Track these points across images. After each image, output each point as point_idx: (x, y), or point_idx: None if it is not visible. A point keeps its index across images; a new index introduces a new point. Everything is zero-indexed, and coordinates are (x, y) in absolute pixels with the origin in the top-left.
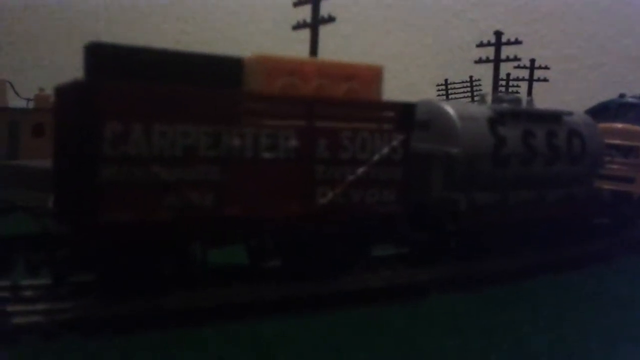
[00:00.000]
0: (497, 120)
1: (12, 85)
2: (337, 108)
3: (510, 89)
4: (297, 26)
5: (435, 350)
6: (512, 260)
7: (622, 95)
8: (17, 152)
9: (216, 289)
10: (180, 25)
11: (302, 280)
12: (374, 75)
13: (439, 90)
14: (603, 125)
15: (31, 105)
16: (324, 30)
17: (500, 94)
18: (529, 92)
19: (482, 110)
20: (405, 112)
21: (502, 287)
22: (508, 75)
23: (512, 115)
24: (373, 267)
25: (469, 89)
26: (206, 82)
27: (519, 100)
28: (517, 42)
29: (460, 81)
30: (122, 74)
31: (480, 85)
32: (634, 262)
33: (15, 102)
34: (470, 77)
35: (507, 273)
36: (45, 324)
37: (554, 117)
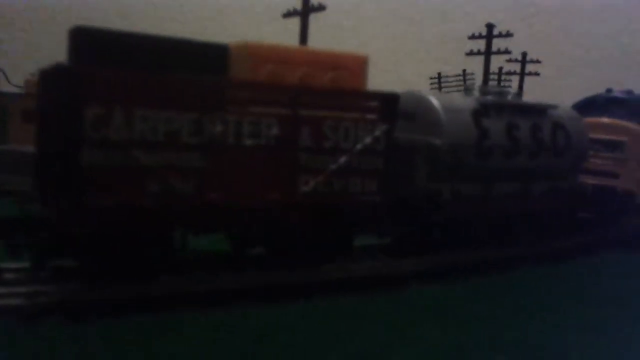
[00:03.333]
0: (481, 112)
1: (4, 72)
2: (321, 97)
3: (501, 83)
4: (288, 14)
5: (419, 338)
6: (496, 252)
7: (609, 90)
8: (5, 137)
9: (200, 275)
10: (168, 13)
11: (285, 269)
12: (360, 64)
13: (432, 83)
14: (590, 119)
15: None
16: (314, 23)
17: (485, 86)
18: (520, 86)
19: (466, 102)
20: (388, 102)
21: (485, 279)
22: (500, 69)
23: (496, 107)
24: (357, 256)
25: (462, 82)
26: (191, 68)
27: (504, 93)
28: (508, 34)
29: (454, 74)
30: (106, 58)
31: (473, 78)
32: (617, 258)
33: (8, 90)
34: (464, 70)
35: (491, 265)
36: (25, 307)
37: (538, 110)
